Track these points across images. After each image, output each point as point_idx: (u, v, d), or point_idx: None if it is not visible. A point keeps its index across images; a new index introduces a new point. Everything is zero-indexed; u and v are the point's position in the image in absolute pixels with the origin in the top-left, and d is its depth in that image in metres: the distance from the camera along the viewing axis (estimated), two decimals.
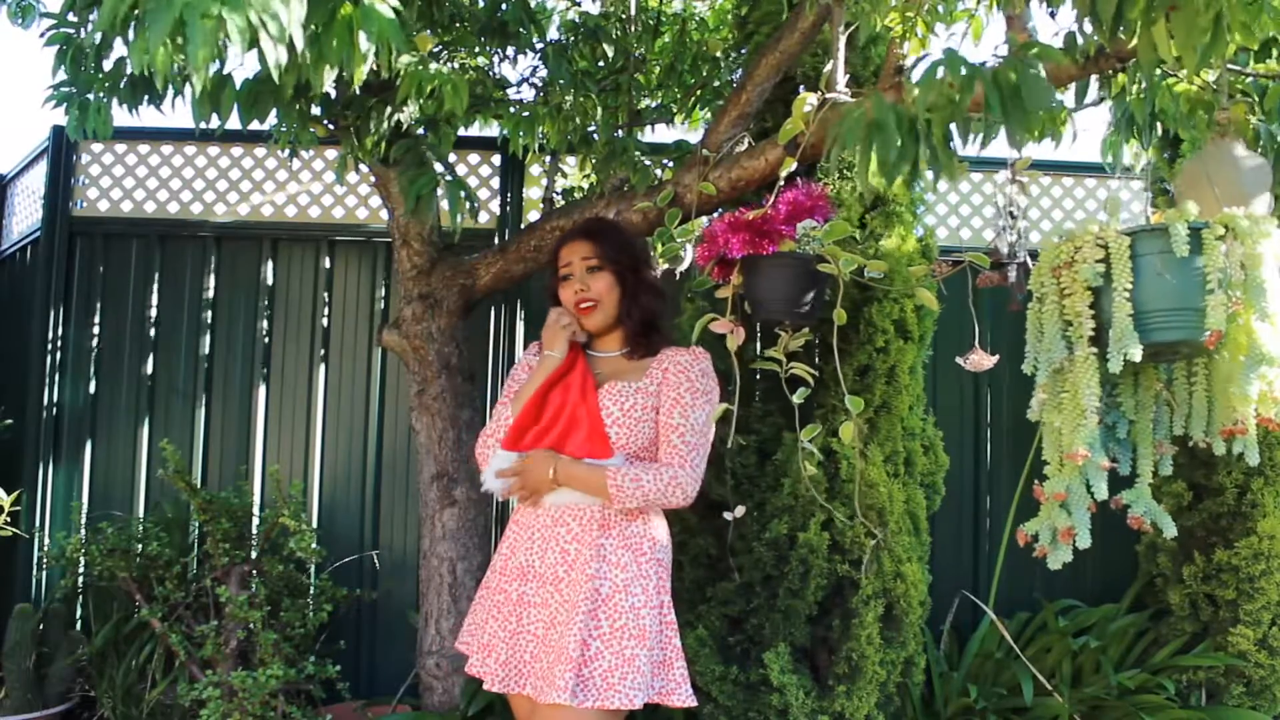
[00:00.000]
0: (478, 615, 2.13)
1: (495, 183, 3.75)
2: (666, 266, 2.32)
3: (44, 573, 3.53)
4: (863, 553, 2.62)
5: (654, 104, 3.49)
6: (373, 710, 3.04)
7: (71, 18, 2.21)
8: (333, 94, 2.59)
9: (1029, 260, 1.96)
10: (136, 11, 1.34)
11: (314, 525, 3.54)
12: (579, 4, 3.48)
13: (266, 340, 3.67)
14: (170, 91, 2.31)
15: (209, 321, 3.66)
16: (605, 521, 2.02)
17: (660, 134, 3.78)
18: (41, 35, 2.25)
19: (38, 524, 3.51)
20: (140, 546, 3.16)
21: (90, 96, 2.29)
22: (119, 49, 2.22)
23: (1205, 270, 1.72)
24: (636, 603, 1.97)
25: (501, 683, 2.00)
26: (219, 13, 1.25)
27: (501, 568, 2.13)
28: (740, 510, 2.53)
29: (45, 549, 3.46)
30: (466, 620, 2.18)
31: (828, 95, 2.21)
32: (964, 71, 1.61)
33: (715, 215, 2.62)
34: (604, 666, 1.92)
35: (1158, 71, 2.14)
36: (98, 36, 2.13)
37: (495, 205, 3.74)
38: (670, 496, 1.99)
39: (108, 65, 2.28)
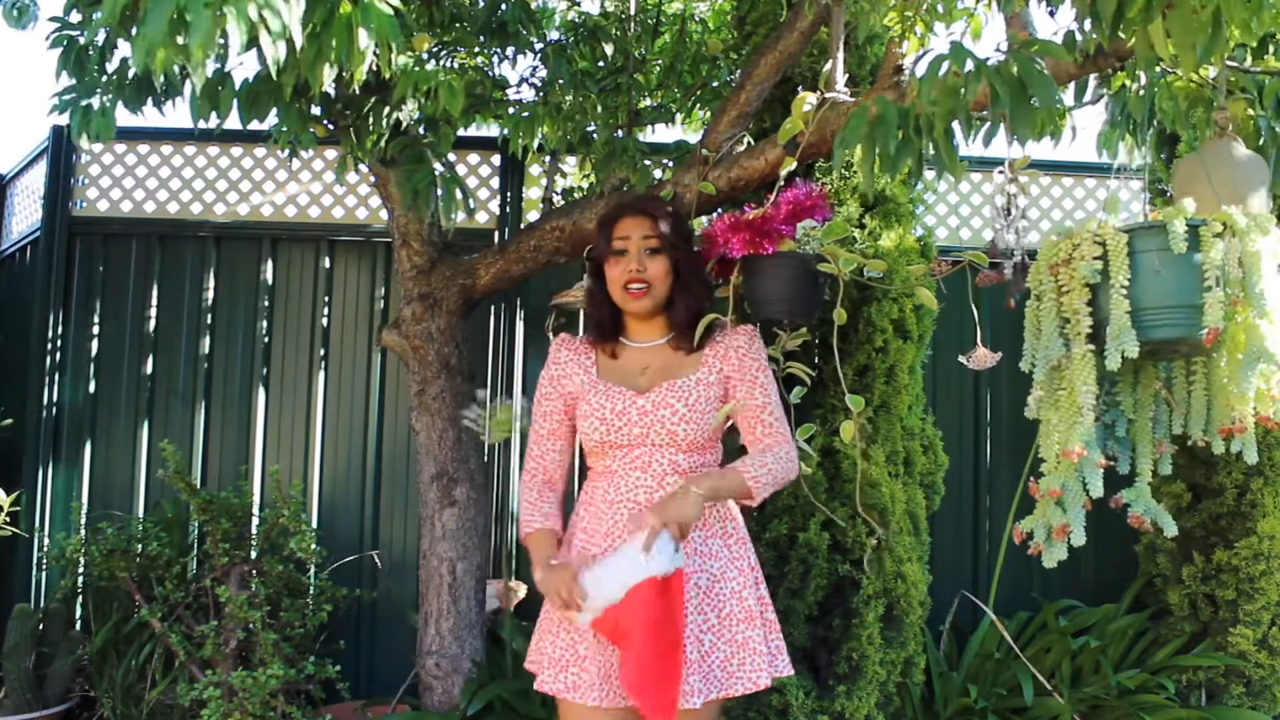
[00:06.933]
0: (546, 628, 1.98)
1: (495, 183, 3.75)
2: None
3: (44, 573, 3.52)
4: (863, 553, 2.62)
5: (654, 104, 3.49)
6: (372, 710, 3.03)
7: (75, 17, 2.21)
8: (332, 93, 2.59)
9: (1026, 258, 1.95)
10: (139, 7, 1.34)
11: (314, 525, 3.54)
12: (579, 4, 3.48)
13: (266, 340, 3.67)
14: (172, 92, 2.32)
15: (209, 321, 3.66)
16: None
17: (660, 134, 3.78)
18: (47, 38, 2.25)
19: (38, 524, 3.51)
20: (140, 546, 3.16)
21: (94, 101, 2.28)
22: (122, 49, 2.22)
23: (1203, 267, 1.72)
24: (736, 586, 1.93)
25: (601, 696, 1.85)
26: (219, 7, 1.24)
27: None
28: None
29: (45, 549, 3.46)
30: (535, 638, 2.02)
31: (827, 95, 2.21)
32: (969, 64, 1.61)
33: (715, 215, 2.62)
34: (721, 657, 1.89)
35: (1156, 69, 2.14)
36: (100, 37, 2.13)
37: (495, 205, 3.74)
38: (791, 473, 2.01)
39: (110, 67, 2.27)
